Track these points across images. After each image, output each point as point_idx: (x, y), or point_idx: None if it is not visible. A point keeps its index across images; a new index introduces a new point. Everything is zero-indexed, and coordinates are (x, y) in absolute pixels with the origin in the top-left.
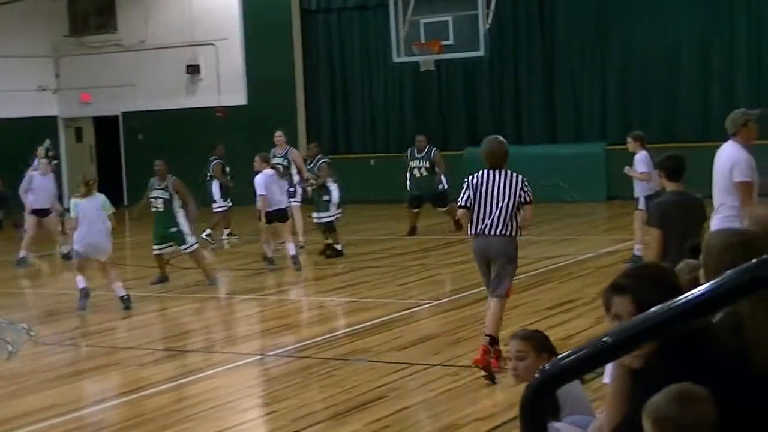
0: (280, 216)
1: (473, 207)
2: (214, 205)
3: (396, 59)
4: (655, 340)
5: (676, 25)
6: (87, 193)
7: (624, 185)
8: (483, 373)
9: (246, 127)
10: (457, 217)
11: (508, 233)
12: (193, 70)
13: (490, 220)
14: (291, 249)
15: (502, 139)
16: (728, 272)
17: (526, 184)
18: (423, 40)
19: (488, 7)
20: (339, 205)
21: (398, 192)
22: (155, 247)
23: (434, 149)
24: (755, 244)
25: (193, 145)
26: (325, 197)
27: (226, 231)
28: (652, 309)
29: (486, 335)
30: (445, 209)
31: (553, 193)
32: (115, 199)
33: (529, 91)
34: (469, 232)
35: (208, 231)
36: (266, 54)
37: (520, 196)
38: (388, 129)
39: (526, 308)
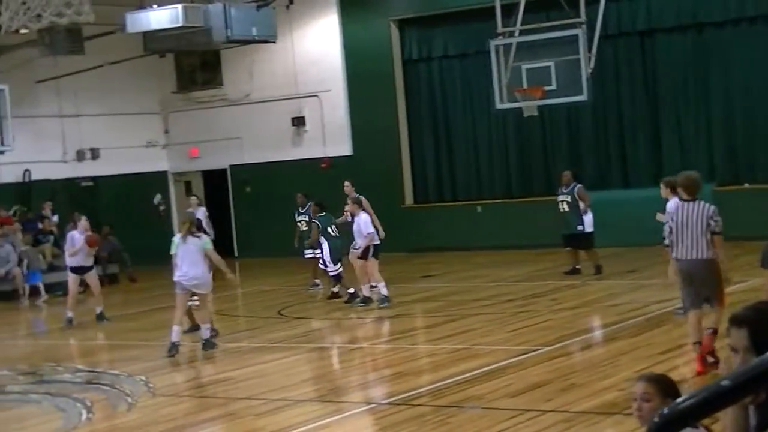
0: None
1: (674, 234)
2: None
3: (499, 106)
4: None
5: None
6: (185, 234)
7: (734, 225)
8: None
9: (352, 177)
10: (597, 263)
11: (703, 256)
12: (299, 122)
13: (684, 246)
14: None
15: (696, 172)
16: None
17: (716, 213)
18: (525, 86)
19: (590, 51)
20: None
21: (506, 238)
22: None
23: (578, 185)
24: None
25: None
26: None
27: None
28: None
29: (693, 343)
30: (587, 251)
31: (661, 236)
32: (225, 251)
33: (633, 134)
34: (671, 256)
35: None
36: (370, 104)
37: (709, 224)
38: (493, 175)
39: (640, 352)
